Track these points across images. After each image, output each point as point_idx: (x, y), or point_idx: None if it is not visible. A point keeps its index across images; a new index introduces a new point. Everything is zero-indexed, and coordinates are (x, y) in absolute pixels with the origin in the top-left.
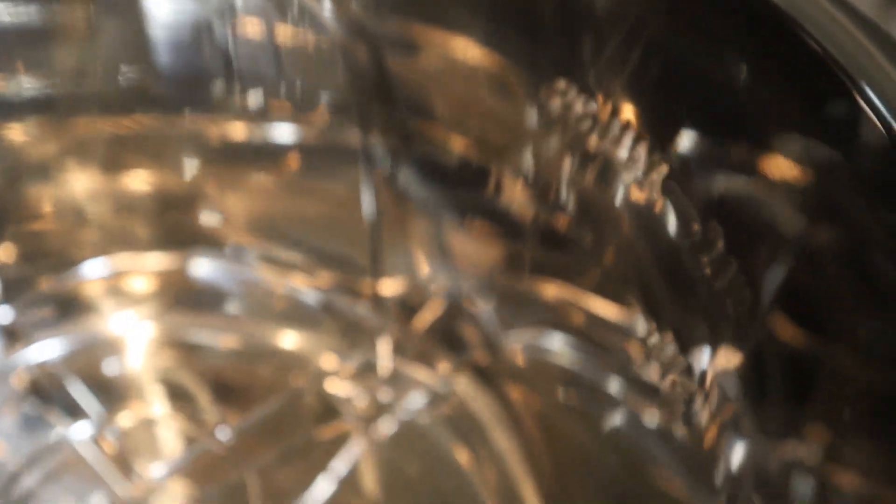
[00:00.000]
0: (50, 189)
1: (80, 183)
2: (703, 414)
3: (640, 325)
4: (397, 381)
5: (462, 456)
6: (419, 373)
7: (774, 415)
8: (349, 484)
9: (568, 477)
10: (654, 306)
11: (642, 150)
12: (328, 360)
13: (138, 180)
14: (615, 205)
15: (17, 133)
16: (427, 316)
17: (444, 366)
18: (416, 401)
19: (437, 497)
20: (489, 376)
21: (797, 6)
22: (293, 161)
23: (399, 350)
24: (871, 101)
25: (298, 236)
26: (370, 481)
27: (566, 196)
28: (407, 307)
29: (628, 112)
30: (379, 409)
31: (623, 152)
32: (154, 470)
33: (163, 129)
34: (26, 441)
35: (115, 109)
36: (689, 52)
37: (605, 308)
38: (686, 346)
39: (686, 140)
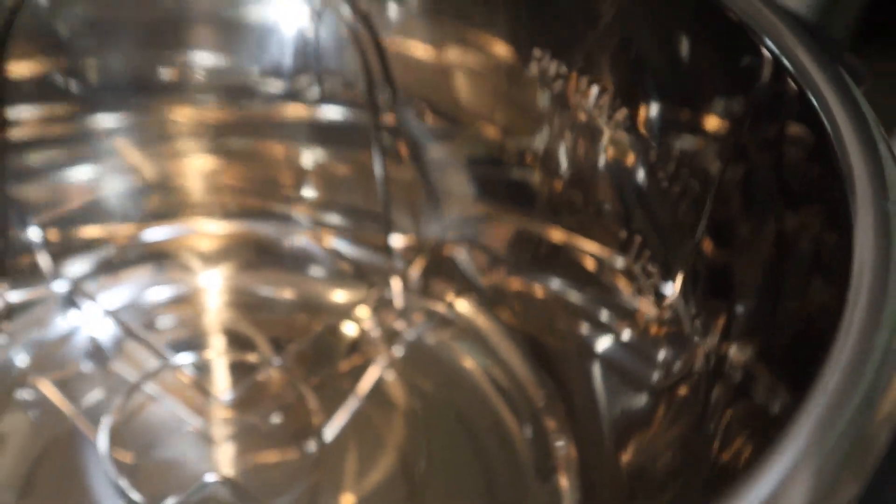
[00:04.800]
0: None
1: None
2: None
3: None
4: (408, 313)
5: (470, 367)
6: (426, 304)
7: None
8: (377, 398)
9: (565, 379)
10: (632, 230)
11: (607, 99)
12: (351, 300)
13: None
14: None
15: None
16: (428, 259)
17: (448, 297)
18: (425, 326)
19: (451, 404)
20: (487, 304)
21: None
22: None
23: (408, 288)
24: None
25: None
26: (394, 395)
27: (565, 164)
28: (413, 252)
29: (602, 79)
30: (395, 337)
31: (593, 103)
32: (226, 394)
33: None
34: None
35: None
36: (648, 37)
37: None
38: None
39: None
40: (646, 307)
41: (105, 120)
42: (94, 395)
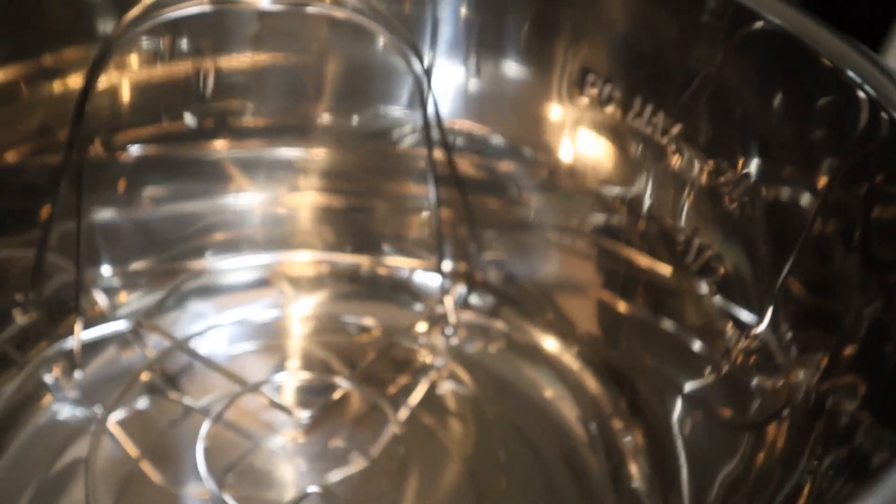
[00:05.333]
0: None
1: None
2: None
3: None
4: (461, 327)
5: (518, 371)
6: (477, 319)
7: None
8: (436, 405)
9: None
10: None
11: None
12: (413, 321)
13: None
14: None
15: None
16: (475, 279)
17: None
18: (477, 339)
19: (509, 416)
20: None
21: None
22: None
23: (458, 306)
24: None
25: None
26: (457, 407)
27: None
28: (460, 276)
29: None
30: (449, 344)
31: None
32: (304, 413)
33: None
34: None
35: None
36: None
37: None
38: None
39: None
40: (733, 337)
41: (221, 151)
42: (182, 420)
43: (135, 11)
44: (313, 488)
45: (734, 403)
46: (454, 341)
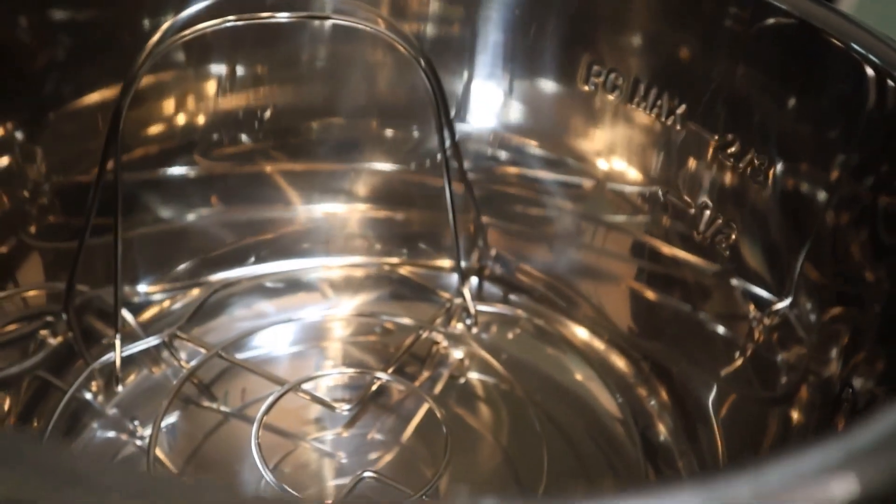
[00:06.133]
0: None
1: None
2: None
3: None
4: (481, 315)
5: (542, 351)
6: (493, 307)
7: None
8: (467, 392)
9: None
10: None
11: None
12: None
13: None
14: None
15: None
16: (491, 272)
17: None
18: (495, 325)
19: (535, 378)
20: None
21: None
22: None
23: (475, 297)
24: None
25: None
26: (474, 380)
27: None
28: (473, 271)
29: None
30: (474, 334)
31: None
32: (345, 407)
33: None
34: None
35: None
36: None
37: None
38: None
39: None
40: (756, 317)
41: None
42: (223, 427)
43: (155, 38)
44: (368, 473)
45: (761, 380)
46: (477, 331)
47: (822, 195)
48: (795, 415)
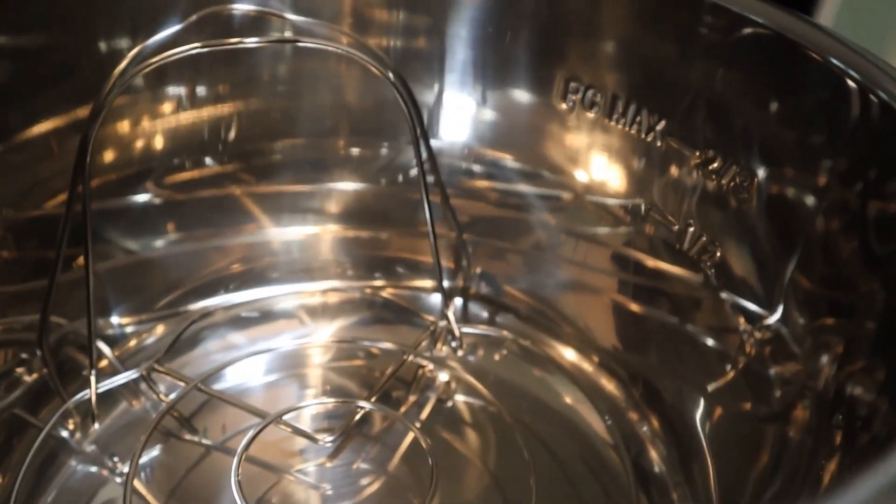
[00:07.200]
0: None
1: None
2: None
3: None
4: (466, 337)
5: (529, 373)
6: (478, 328)
7: None
8: (453, 417)
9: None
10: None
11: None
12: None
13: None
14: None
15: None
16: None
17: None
18: (480, 347)
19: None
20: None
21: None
22: None
23: (460, 319)
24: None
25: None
26: (460, 404)
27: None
28: (457, 292)
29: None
30: (459, 357)
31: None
32: (328, 438)
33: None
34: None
35: None
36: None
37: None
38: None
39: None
40: (746, 330)
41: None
42: (204, 461)
43: (121, 66)
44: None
45: (754, 395)
46: (463, 354)
47: (810, 201)
48: (791, 432)
